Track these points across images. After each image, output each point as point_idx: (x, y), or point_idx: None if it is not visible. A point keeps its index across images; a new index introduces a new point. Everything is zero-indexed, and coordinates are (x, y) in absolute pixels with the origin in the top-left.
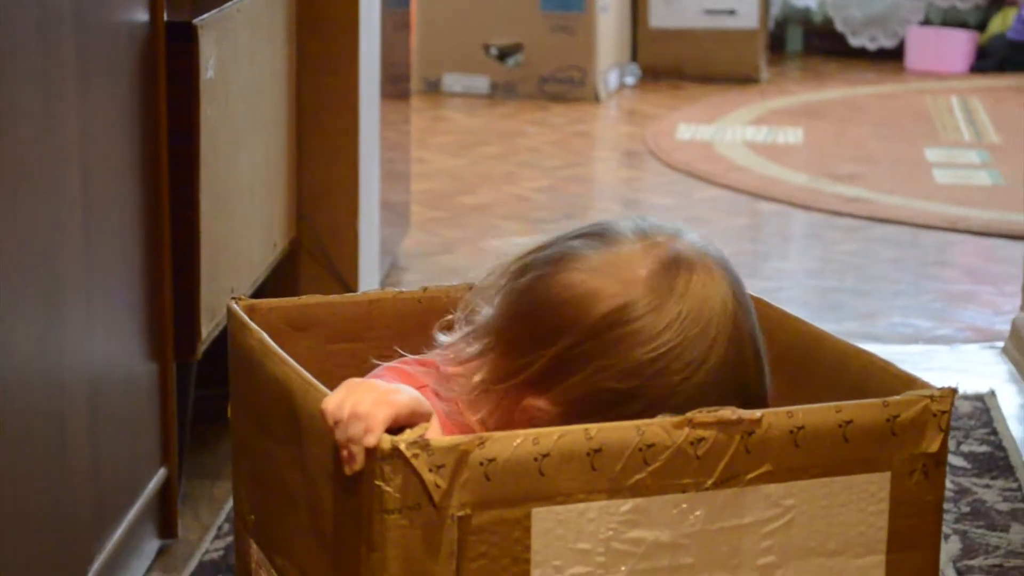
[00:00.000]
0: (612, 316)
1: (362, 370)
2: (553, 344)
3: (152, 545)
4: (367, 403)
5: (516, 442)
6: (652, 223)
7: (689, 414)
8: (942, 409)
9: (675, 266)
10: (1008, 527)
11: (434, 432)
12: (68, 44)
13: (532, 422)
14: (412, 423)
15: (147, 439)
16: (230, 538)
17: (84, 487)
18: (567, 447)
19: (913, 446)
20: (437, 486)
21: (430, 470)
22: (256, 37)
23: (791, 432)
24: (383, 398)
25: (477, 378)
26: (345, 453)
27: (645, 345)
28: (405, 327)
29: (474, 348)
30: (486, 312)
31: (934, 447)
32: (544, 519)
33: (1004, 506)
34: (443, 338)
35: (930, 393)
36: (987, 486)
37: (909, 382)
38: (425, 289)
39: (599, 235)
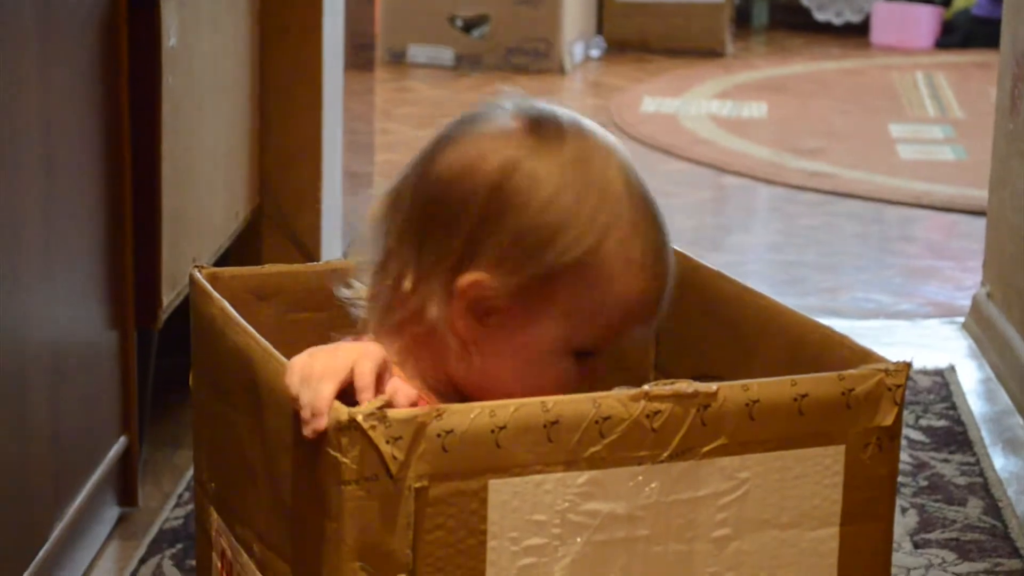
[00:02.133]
0: (505, 169)
1: (323, 340)
2: (460, 221)
3: (112, 512)
4: (321, 360)
5: (473, 414)
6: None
7: (645, 387)
8: (897, 383)
9: (556, 125)
10: (965, 501)
11: (402, 394)
12: (28, 13)
13: (480, 304)
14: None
15: (108, 407)
16: (191, 506)
17: (44, 455)
18: (523, 419)
19: (868, 420)
20: (394, 458)
21: (387, 442)
22: (218, 5)
23: (746, 405)
24: (335, 353)
25: (407, 283)
26: (307, 413)
27: (544, 188)
28: None
29: (392, 269)
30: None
31: (888, 421)
32: (500, 491)
33: (962, 480)
34: (347, 292)
35: (885, 367)
36: (945, 460)
37: (865, 356)
38: None
39: (470, 119)
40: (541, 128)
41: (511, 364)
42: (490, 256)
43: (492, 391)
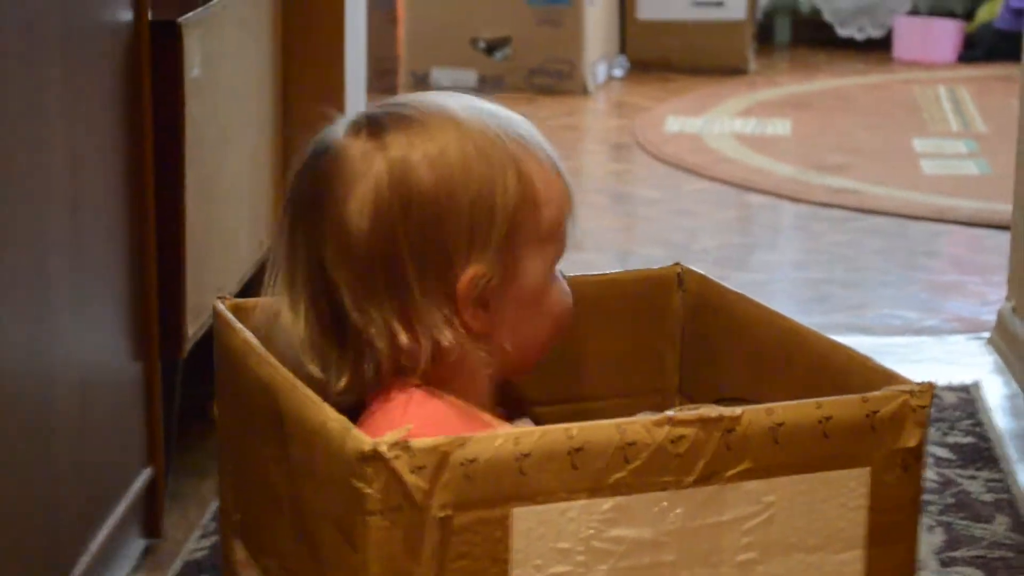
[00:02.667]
0: (402, 184)
1: None
2: (413, 251)
3: (138, 545)
4: None
5: (497, 442)
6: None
7: (669, 412)
8: (921, 404)
9: (386, 117)
10: (992, 518)
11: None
12: (52, 44)
13: (482, 292)
14: None
15: (133, 438)
16: (216, 537)
17: (70, 486)
18: (548, 446)
19: (892, 441)
20: (418, 487)
21: (411, 471)
22: (241, 35)
23: (771, 429)
24: None
25: (402, 337)
26: None
27: (445, 167)
28: None
29: (370, 338)
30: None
31: (913, 442)
32: (525, 519)
33: (988, 497)
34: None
35: (909, 388)
36: (972, 477)
37: (889, 378)
38: None
39: (315, 174)
40: (381, 126)
41: (527, 314)
42: (461, 251)
43: (528, 349)
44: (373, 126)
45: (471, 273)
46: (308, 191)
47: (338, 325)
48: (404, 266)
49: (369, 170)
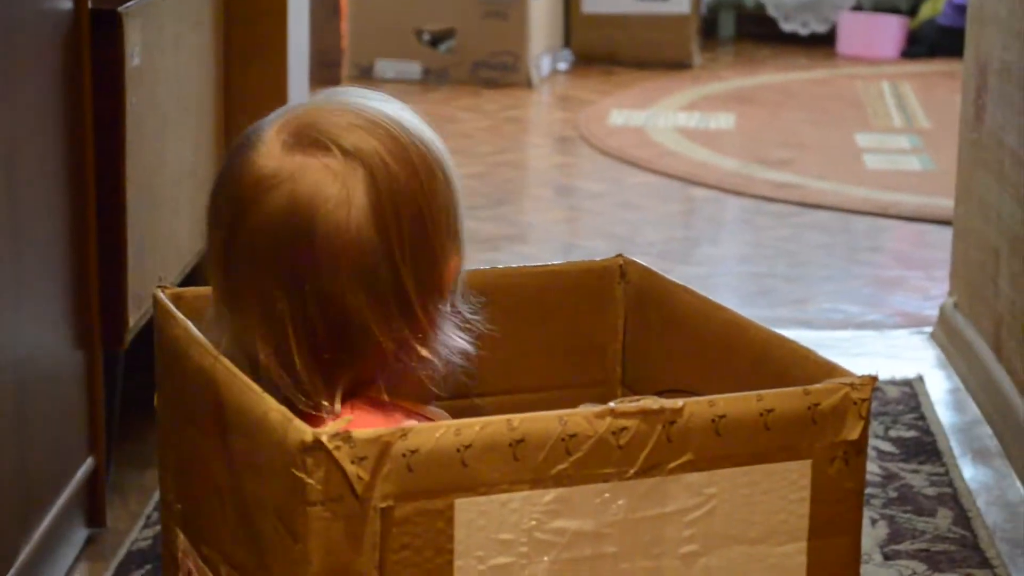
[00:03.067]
0: (344, 201)
1: None
2: (402, 250)
3: (80, 534)
4: None
5: (438, 433)
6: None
7: (611, 403)
8: (863, 397)
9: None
10: (935, 512)
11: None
12: None
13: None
14: None
15: (75, 428)
16: (159, 527)
17: (10, 476)
18: (489, 438)
19: (834, 434)
20: (359, 478)
21: (352, 462)
22: (182, 25)
23: (712, 421)
24: None
25: (423, 350)
26: None
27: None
28: None
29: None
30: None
31: (854, 435)
32: (467, 510)
33: (931, 491)
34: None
35: (851, 381)
36: (915, 471)
37: (830, 370)
38: None
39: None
40: (303, 138)
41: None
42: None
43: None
44: (311, 143)
45: (454, 263)
46: (277, 228)
47: (334, 342)
48: (403, 267)
49: (350, 184)
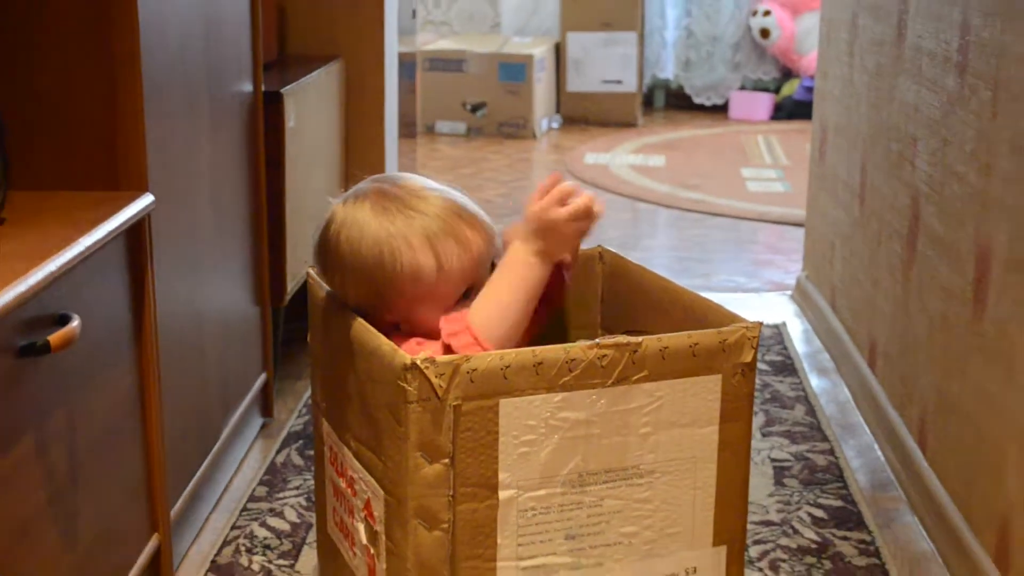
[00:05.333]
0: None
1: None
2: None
3: (258, 422)
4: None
5: (489, 359)
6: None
7: (596, 340)
8: (753, 335)
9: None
10: (793, 407)
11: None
12: (203, 105)
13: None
14: None
15: (255, 354)
16: (308, 417)
17: (216, 386)
18: (521, 361)
19: (736, 358)
20: (440, 386)
21: (436, 376)
22: (321, 99)
23: (660, 351)
24: None
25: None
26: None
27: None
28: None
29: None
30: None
31: (748, 358)
32: (507, 406)
33: (791, 394)
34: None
35: (746, 325)
36: (780, 382)
37: (733, 318)
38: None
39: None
40: (367, 197)
41: None
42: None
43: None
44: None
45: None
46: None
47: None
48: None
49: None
